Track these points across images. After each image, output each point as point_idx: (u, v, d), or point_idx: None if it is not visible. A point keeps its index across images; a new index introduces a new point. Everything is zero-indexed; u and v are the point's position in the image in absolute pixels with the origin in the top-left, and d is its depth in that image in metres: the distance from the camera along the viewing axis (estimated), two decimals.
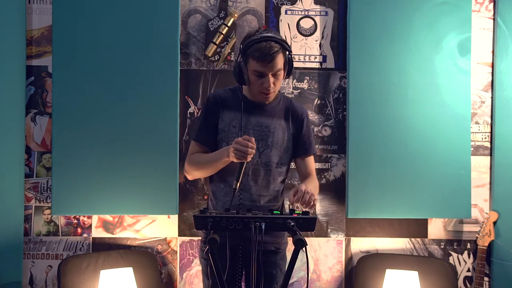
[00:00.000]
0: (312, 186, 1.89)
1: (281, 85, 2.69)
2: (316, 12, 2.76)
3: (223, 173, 1.90)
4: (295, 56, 2.73)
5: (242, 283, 2.00)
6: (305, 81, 2.74)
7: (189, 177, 2.02)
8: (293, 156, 1.99)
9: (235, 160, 1.69)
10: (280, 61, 1.77)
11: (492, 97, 2.75)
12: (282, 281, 1.53)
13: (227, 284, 1.52)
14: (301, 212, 1.54)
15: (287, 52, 1.80)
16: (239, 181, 1.66)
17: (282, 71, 1.81)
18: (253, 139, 1.68)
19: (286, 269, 1.52)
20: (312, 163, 2.01)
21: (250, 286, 1.52)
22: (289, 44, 1.88)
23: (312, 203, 1.63)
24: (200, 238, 2.69)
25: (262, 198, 1.91)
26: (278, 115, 1.94)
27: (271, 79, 1.78)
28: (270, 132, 1.90)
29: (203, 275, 2.02)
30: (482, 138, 2.77)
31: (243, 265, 1.86)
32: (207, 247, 1.45)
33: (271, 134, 1.90)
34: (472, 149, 2.70)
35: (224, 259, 1.57)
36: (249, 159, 1.68)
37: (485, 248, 2.59)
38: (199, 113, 2.03)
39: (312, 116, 2.74)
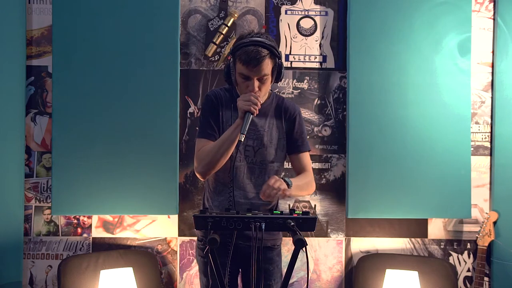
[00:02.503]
0: (304, 182, 1.93)
1: (282, 85, 2.70)
2: (316, 12, 2.76)
3: (220, 173, 1.91)
4: (295, 56, 2.73)
5: (239, 281, 2.02)
6: (305, 81, 2.74)
7: (202, 176, 1.90)
8: (288, 153, 2.01)
9: (241, 113, 1.75)
10: (266, 66, 1.77)
11: (492, 97, 2.75)
12: (282, 281, 1.53)
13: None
14: (301, 212, 1.54)
15: (277, 58, 1.80)
16: (245, 133, 1.70)
17: (269, 76, 1.81)
18: (258, 93, 1.78)
19: (283, 267, 1.53)
20: (306, 160, 2.01)
21: (249, 284, 1.52)
22: (279, 49, 1.87)
23: (277, 196, 1.74)
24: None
25: (257, 195, 1.92)
26: (271, 114, 1.95)
27: (256, 83, 1.79)
28: (265, 131, 1.92)
29: (200, 274, 2.02)
30: (482, 138, 2.77)
31: (240, 263, 1.89)
32: (207, 247, 1.45)
33: (265, 133, 1.92)
34: (472, 149, 2.70)
35: (222, 257, 1.57)
36: (254, 111, 1.74)
37: (485, 248, 2.59)
38: (200, 112, 2.02)
39: (312, 116, 2.74)
